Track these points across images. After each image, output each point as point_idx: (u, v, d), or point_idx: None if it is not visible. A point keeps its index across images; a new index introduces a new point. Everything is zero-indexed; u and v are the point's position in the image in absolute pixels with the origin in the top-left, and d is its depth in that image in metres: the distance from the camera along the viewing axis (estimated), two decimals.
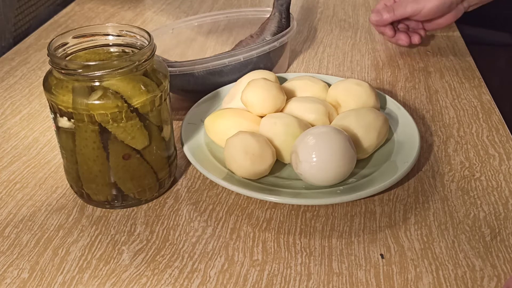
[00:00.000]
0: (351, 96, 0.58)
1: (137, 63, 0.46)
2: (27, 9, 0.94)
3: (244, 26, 0.81)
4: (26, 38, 0.89)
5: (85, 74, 0.44)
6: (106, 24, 0.51)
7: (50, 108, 0.48)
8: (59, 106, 0.46)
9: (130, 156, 0.49)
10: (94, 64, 0.45)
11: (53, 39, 0.48)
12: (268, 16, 0.74)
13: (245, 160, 0.51)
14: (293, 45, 0.85)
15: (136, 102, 0.46)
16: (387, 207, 0.51)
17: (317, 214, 0.50)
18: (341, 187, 0.51)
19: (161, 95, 0.48)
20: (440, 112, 0.66)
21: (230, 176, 0.52)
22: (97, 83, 0.45)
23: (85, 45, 0.50)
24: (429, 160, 0.57)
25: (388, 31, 0.80)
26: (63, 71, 0.45)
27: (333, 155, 0.49)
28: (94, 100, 0.45)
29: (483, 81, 0.73)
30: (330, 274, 0.44)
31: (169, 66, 0.62)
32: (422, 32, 0.80)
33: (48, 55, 0.46)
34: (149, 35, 0.49)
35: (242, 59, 0.65)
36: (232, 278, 0.44)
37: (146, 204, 0.52)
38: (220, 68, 0.65)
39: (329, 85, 0.63)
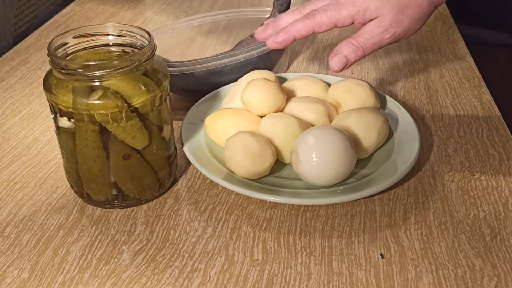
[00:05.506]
0: (351, 96, 0.58)
1: (137, 63, 0.46)
2: (27, 9, 0.94)
3: (244, 26, 0.81)
4: (26, 38, 0.89)
5: (85, 74, 0.44)
6: (106, 24, 0.51)
7: (50, 108, 0.48)
8: (59, 106, 0.46)
9: (130, 156, 0.49)
10: (94, 64, 0.45)
11: (53, 39, 0.48)
12: (268, 16, 0.74)
13: (245, 160, 0.51)
14: (293, 45, 0.85)
15: (136, 102, 0.46)
16: (387, 207, 0.51)
17: (317, 214, 0.51)
18: (341, 187, 0.51)
19: (161, 95, 0.48)
20: (440, 112, 0.66)
21: (230, 176, 0.52)
22: (97, 83, 0.45)
23: (85, 45, 0.50)
24: (429, 160, 0.58)
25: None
26: (63, 71, 0.45)
27: (333, 155, 0.49)
28: (94, 100, 0.45)
29: (483, 81, 0.73)
30: (330, 274, 0.44)
31: (169, 66, 0.62)
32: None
33: (48, 55, 0.46)
34: (149, 35, 0.49)
35: (242, 59, 0.65)
36: (232, 278, 0.44)
37: (146, 204, 0.52)
38: (220, 68, 0.65)
39: (329, 85, 0.63)
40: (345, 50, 0.53)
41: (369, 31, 0.53)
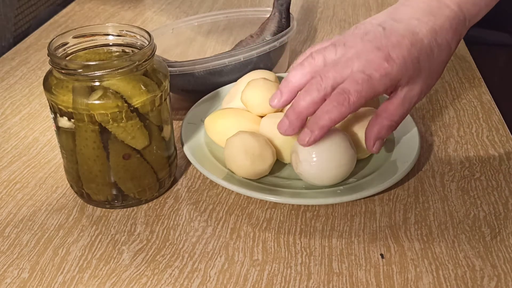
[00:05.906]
0: None
1: (137, 63, 0.46)
2: (27, 9, 0.94)
3: (244, 26, 0.81)
4: (26, 38, 0.89)
5: (85, 74, 0.44)
6: (106, 24, 0.51)
7: (50, 108, 0.48)
8: (59, 106, 0.46)
9: (130, 156, 0.49)
10: (94, 64, 0.45)
11: (53, 39, 0.48)
12: (268, 16, 0.74)
13: (245, 160, 0.51)
14: (293, 45, 0.85)
15: (136, 102, 0.46)
16: (387, 207, 0.51)
17: (317, 214, 0.50)
18: (341, 187, 0.51)
19: (161, 95, 0.48)
20: (440, 112, 0.66)
21: (230, 176, 0.52)
22: (97, 83, 0.45)
23: (85, 45, 0.50)
24: (429, 160, 0.57)
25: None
26: (63, 71, 0.45)
27: (333, 155, 0.49)
28: (94, 100, 0.45)
29: (483, 81, 0.73)
30: (330, 274, 0.44)
31: (169, 66, 0.62)
32: None
33: (48, 55, 0.46)
34: (149, 35, 0.49)
35: (242, 59, 0.65)
36: (232, 278, 0.44)
37: (146, 204, 0.52)
38: (220, 68, 0.65)
39: None
40: (385, 134, 0.51)
41: (402, 106, 0.50)
